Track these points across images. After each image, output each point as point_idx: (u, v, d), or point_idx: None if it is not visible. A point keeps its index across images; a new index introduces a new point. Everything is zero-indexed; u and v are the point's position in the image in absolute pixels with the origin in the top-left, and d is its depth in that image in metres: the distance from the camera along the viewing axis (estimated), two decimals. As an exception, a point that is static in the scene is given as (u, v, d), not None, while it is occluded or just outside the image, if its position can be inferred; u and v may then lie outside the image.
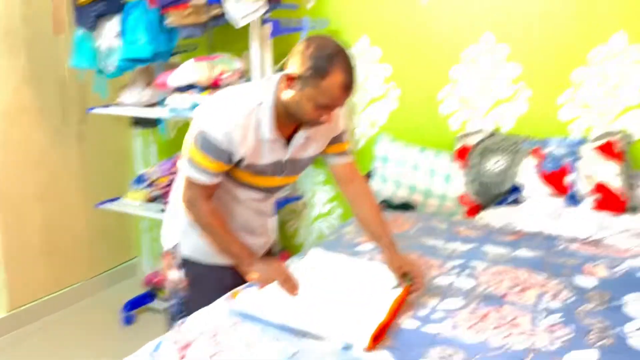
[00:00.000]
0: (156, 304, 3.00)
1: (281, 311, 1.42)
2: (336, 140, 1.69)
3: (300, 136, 1.57)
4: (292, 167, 1.64)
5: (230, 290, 1.68)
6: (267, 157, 1.55)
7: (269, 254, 1.85)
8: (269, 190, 1.69)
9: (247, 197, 1.65)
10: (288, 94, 1.46)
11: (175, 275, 1.74)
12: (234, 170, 1.56)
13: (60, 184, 3.03)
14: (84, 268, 3.22)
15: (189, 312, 1.66)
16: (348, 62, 1.41)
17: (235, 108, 1.48)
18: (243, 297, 1.50)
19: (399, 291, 1.52)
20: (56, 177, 3.01)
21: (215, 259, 1.68)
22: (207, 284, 1.70)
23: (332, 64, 1.38)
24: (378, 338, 1.33)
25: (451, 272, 1.75)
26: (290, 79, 1.44)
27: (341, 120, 1.70)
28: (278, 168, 1.60)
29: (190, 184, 1.54)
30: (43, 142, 2.92)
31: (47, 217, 2.98)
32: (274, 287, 1.52)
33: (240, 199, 1.65)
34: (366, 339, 1.29)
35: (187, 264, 1.71)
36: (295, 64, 1.42)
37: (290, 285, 1.51)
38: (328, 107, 1.44)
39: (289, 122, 1.53)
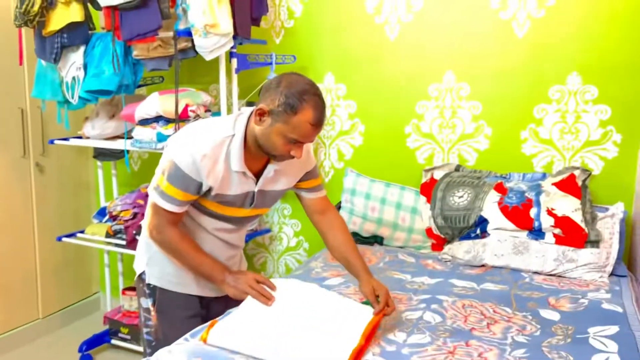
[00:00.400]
0: (117, 342, 2.88)
1: (254, 343, 1.40)
2: (309, 175, 1.74)
3: (269, 170, 1.60)
4: (262, 199, 1.65)
5: (197, 317, 1.71)
6: (236, 189, 1.57)
7: None
8: (238, 222, 1.70)
9: (215, 227, 1.67)
10: (259, 128, 1.49)
11: (143, 304, 1.75)
12: (202, 199, 1.58)
13: (19, 216, 2.93)
14: (41, 305, 3.09)
15: (158, 340, 1.70)
16: (318, 100, 1.45)
17: (205, 139, 1.50)
18: (215, 332, 1.46)
19: (371, 315, 1.52)
20: (14, 210, 2.90)
21: (181, 287, 1.70)
22: (174, 312, 1.71)
23: (302, 100, 1.42)
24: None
25: (418, 307, 1.75)
26: (261, 114, 1.47)
27: (312, 156, 1.75)
28: (247, 199, 1.62)
29: (157, 212, 1.56)
30: (2, 173, 2.82)
31: (3, 251, 2.86)
32: (244, 313, 1.50)
33: (207, 229, 1.67)
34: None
35: (154, 293, 1.72)
36: (267, 99, 1.45)
37: (263, 297, 1.53)
38: (297, 142, 1.47)
39: (259, 155, 1.56)
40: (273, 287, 1.56)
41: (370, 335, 1.47)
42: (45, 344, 3.03)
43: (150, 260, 1.71)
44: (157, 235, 1.59)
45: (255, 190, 1.61)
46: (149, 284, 1.72)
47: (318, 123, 1.45)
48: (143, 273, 1.73)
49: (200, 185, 1.51)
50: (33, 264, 3.04)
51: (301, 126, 1.43)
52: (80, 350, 2.81)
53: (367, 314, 1.53)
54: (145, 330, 1.76)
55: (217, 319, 1.56)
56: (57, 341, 3.06)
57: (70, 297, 3.29)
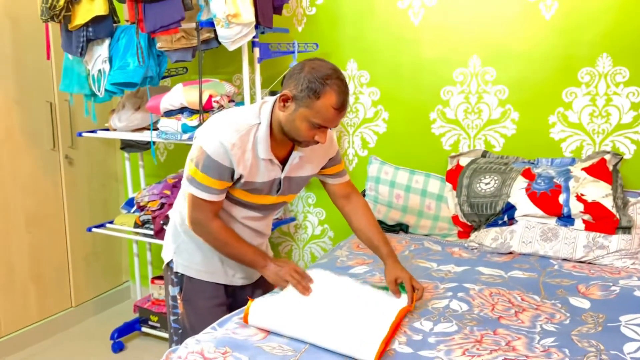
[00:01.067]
0: (147, 329, 2.95)
1: (291, 324, 1.44)
2: (332, 162, 1.76)
3: (294, 156, 1.62)
4: (288, 185, 1.68)
5: (223, 306, 1.75)
6: (264, 176, 1.59)
7: None
8: (266, 209, 1.72)
9: (243, 215, 1.69)
10: (283, 114, 1.50)
11: (171, 292, 1.78)
12: (231, 188, 1.60)
13: (49, 208, 3.00)
14: (73, 294, 3.17)
15: (184, 328, 1.74)
16: (341, 84, 1.46)
17: (233, 128, 1.51)
18: (255, 311, 1.49)
19: (402, 304, 1.54)
20: (45, 202, 2.97)
21: (208, 276, 1.73)
22: (201, 300, 1.74)
23: (325, 85, 1.43)
24: (382, 351, 1.35)
25: (445, 295, 1.73)
26: (285, 99, 1.49)
27: (335, 142, 1.76)
28: (274, 186, 1.64)
29: (196, 204, 1.57)
30: (32, 166, 2.89)
31: (36, 242, 2.94)
32: (284, 298, 1.54)
33: (236, 218, 1.69)
34: (372, 355, 1.31)
35: (181, 281, 1.75)
36: (291, 85, 1.47)
37: (302, 286, 1.56)
38: (321, 127, 1.48)
39: (284, 142, 1.58)
40: (311, 281, 1.60)
41: (397, 326, 1.48)
42: (77, 332, 3.11)
43: (178, 249, 1.75)
44: (199, 228, 1.61)
45: (282, 177, 1.63)
46: (176, 272, 1.75)
47: (341, 107, 1.46)
48: (171, 261, 1.77)
49: (233, 171, 1.53)
50: (65, 255, 3.11)
51: (324, 111, 1.44)
52: (111, 337, 2.88)
53: (397, 304, 1.55)
54: (172, 317, 1.79)
55: (255, 299, 1.57)
56: (89, 329, 3.14)
57: (101, 286, 3.37)
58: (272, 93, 2.58)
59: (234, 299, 1.80)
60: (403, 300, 1.59)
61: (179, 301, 1.76)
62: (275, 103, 1.54)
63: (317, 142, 1.52)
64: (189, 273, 1.74)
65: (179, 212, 1.74)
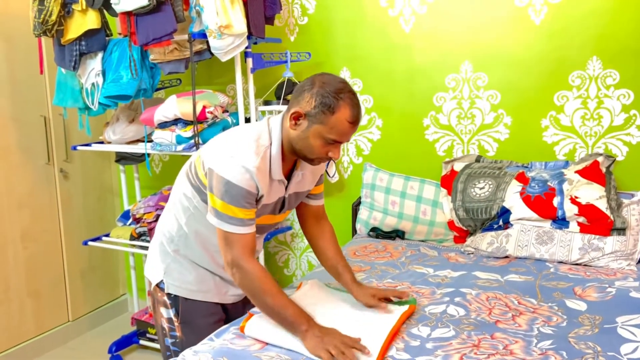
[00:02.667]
0: (145, 342, 2.93)
1: (288, 336, 1.42)
2: (320, 180, 1.73)
3: (297, 174, 1.59)
4: (290, 202, 1.65)
5: (221, 322, 1.69)
6: (273, 196, 1.55)
7: None
8: (265, 229, 1.68)
9: None
10: (295, 133, 1.46)
11: (165, 314, 1.69)
12: None
13: (45, 223, 2.99)
14: (70, 308, 3.15)
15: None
16: (354, 97, 1.44)
17: (252, 150, 1.44)
18: (253, 324, 1.48)
19: (403, 310, 1.55)
20: (41, 216, 2.97)
21: (202, 295, 1.66)
22: (199, 320, 1.66)
23: (339, 99, 1.41)
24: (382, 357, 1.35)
25: (442, 300, 1.74)
26: (296, 117, 1.45)
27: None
28: (278, 205, 1.60)
29: (230, 241, 1.45)
30: (27, 181, 2.89)
31: (32, 257, 2.93)
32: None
33: None
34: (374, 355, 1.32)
35: (176, 302, 1.67)
36: (302, 102, 1.44)
37: (343, 358, 1.34)
38: (336, 142, 1.45)
39: (289, 160, 1.55)
40: (364, 350, 1.37)
41: (397, 332, 1.48)
42: (75, 346, 3.09)
43: (168, 269, 1.66)
44: (235, 270, 1.46)
45: (286, 195, 1.60)
46: (169, 294, 1.67)
47: (356, 120, 1.44)
48: (161, 282, 1.67)
49: (257, 197, 1.46)
50: (61, 269, 3.10)
51: (339, 125, 1.41)
52: (109, 351, 2.86)
53: (396, 311, 1.56)
54: (170, 340, 1.70)
55: (252, 311, 1.56)
56: (87, 343, 3.12)
57: (98, 300, 3.35)
58: (266, 102, 2.59)
59: (227, 313, 1.74)
60: (401, 307, 1.59)
61: (175, 324, 1.68)
62: (284, 121, 1.49)
63: (330, 159, 1.49)
64: (182, 294, 1.65)
65: (168, 231, 1.66)
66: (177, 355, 1.67)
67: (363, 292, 1.62)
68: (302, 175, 1.61)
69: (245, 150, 1.44)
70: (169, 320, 1.68)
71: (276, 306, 1.43)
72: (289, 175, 1.59)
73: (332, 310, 1.58)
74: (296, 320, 1.42)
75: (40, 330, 2.99)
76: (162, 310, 1.69)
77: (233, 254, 1.45)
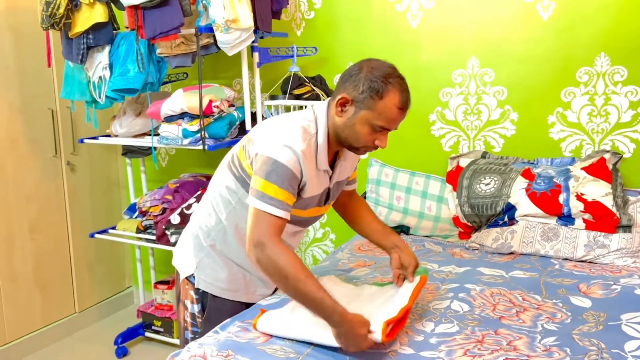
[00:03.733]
0: (151, 334, 2.96)
1: (303, 329, 1.41)
2: (354, 168, 1.72)
3: (341, 163, 1.56)
4: (334, 193, 1.61)
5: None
6: (319, 187, 1.50)
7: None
8: (306, 222, 1.62)
9: (287, 231, 1.55)
10: (341, 119, 1.42)
11: (189, 309, 1.68)
12: None
13: (52, 215, 3.01)
14: (77, 300, 3.18)
15: None
16: (403, 82, 1.40)
17: (299, 135, 1.40)
18: (265, 320, 1.47)
19: (412, 287, 1.53)
20: (48, 209, 2.99)
21: (231, 294, 1.64)
22: (224, 318, 1.61)
23: (388, 84, 1.37)
24: (393, 333, 1.33)
25: (446, 296, 1.74)
26: (343, 103, 1.40)
27: None
28: (323, 196, 1.56)
29: (261, 220, 1.36)
30: (35, 173, 2.91)
31: (39, 249, 2.95)
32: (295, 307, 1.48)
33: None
34: (379, 331, 1.30)
35: (203, 298, 1.65)
36: (349, 87, 1.39)
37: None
38: (383, 129, 1.41)
39: (334, 148, 1.51)
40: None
41: (408, 310, 1.46)
42: (81, 337, 3.12)
43: (202, 264, 1.63)
44: (262, 256, 1.34)
45: (331, 186, 1.56)
46: (197, 289, 1.64)
47: (405, 106, 1.40)
48: (192, 276, 1.64)
49: (299, 185, 1.42)
50: (68, 261, 3.13)
51: (388, 111, 1.37)
52: (115, 342, 2.89)
53: (406, 289, 1.54)
54: (189, 335, 1.69)
55: (263, 307, 1.56)
56: (93, 334, 3.15)
57: (105, 292, 3.38)
58: (272, 97, 2.59)
59: None
60: (410, 285, 1.57)
61: (198, 320, 1.66)
62: (329, 109, 1.45)
63: (376, 148, 1.44)
64: (212, 291, 1.62)
65: (205, 225, 1.62)
66: None
67: (403, 254, 1.60)
68: (344, 164, 1.58)
69: (293, 134, 1.40)
70: (192, 315, 1.67)
71: (311, 292, 1.31)
72: (332, 165, 1.54)
73: (352, 303, 1.59)
74: (328, 309, 1.31)
75: (47, 321, 3.02)
76: (187, 303, 1.68)
77: (261, 232, 1.34)
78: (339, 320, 1.30)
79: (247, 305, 1.69)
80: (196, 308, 1.66)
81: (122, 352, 2.89)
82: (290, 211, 1.40)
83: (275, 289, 1.77)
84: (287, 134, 1.40)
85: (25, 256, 2.88)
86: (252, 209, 1.38)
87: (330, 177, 1.54)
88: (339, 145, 1.49)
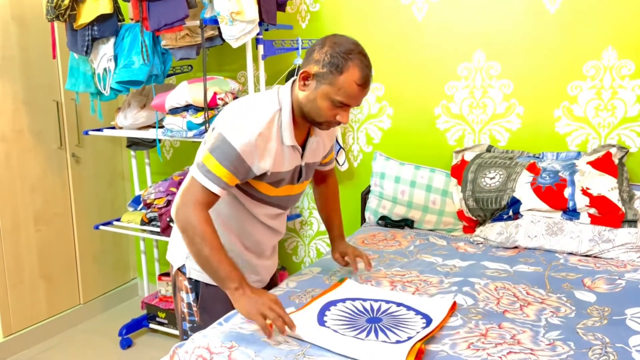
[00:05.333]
0: (155, 325, 2.97)
1: (319, 333, 1.40)
2: (331, 148, 1.76)
3: (312, 141, 1.58)
4: (307, 172, 1.64)
5: None
6: (288, 164, 1.53)
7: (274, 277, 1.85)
8: (286, 202, 1.66)
9: (265, 213, 1.62)
10: (303, 94, 1.44)
11: (185, 298, 1.69)
12: (257, 183, 1.52)
13: (57, 206, 3.02)
14: (82, 291, 3.20)
15: None
16: (364, 59, 1.41)
17: (258, 116, 1.43)
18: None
19: (444, 313, 1.52)
20: (53, 200, 3.00)
21: None
22: (218, 307, 1.62)
23: (348, 59, 1.38)
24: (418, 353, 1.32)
25: (450, 290, 1.74)
26: (305, 77, 1.42)
27: (336, 129, 1.79)
28: (296, 174, 1.59)
29: (195, 189, 1.42)
30: (40, 165, 2.92)
31: (44, 240, 2.97)
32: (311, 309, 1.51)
33: (258, 217, 1.62)
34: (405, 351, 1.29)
35: (196, 287, 1.66)
36: (311, 62, 1.41)
37: (281, 322, 1.35)
38: (344, 105, 1.42)
39: (303, 126, 1.53)
40: (292, 325, 1.37)
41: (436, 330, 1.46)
42: (86, 328, 3.14)
43: (189, 254, 1.60)
44: (181, 211, 1.42)
45: (303, 163, 1.58)
46: (190, 279, 1.65)
47: (365, 83, 1.40)
48: (183, 267, 1.67)
49: (247, 172, 1.44)
50: (73, 252, 3.14)
51: (347, 86, 1.38)
52: (120, 334, 2.90)
53: (440, 308, 1.55)
54: (188, 325, 1.70)
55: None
56: (98, 326, 3.17)
57: (109, 284, 3.39)
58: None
59: None
60: (444, 303, 1.58)
61: (194, 309, 1.67)
62: (294, 86, 1.48)
63: (339, 123, 1.46)
64: (203, 279, 1.63)
65: None
66: None
67: (337, 247, 1.84)
68: (316, 143, 1.60)
69: (251, 115, 1.43)
70: (188, 305, 1.68)
71: (212, 258, 1.39)
72: (304, 144, 1.57)
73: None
74: (229, 276, 1.39)
75: (52, 312, 3.04)
76: (182, 294, 1.69)
77: (190, 198, 1.41)
78: (234, 288, 1.40)
79: None
80: (191, 297, 1.67)
81: (126, 343, 2.90)
82: (224, 189, 1.43)
83: (270, 280, 1.81)
84: (245, 115, 1.44)
85: (30, 247, 2.90)
86: (189, 176, 1.45)
87: (302, 155, 1.57)
88: (305, 120, 1.50)
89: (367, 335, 1.41)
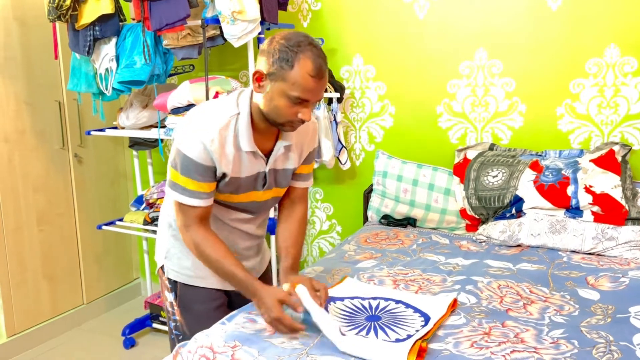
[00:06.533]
0: (158, 325, 2.97)
1: (330, 323, 1.39)
2: (309, 158, 1.66)
3: (279, 146, 1.52)
4: (273, 179, 1.57)
5: (222, 307, 1.65)
6: (247, 170, 1.49)
7: (266, 275, 1.83)
8: (254, 208, 1.60)
9: (232, 217, 1.59)
10: (260, 96, 1.40)
11: (168, 298, 1.70)
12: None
13: (59, 206, 3.03)
14: (85, 291, 3.20)
15: (185, 336, 1.64)
16: (315, 49, 1.35)
17: (210, 122, 1.41)
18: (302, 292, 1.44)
19: (443, 310, 1.52)
20: (56, 200, 3.00)
21: (200, 281, 1.63)
22: (198, 306, 1.63)
23: (298, 52, 1.32)
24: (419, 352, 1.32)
25: (453, 288, 1.74)
26: (259, 78, 1.38)
27: (316, 134, 1.65)
28: (259, 181, 1.53)
29: (183, 210, 1.46)
30: (42, 165, 2.92)
31: (47, 240, 2.97)
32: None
33: (224, 221, 1.59)
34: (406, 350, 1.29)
35: (175, 287, 1.65)
36: (262, 62, 1.37)
37: (287, 331, 1.39)
38: (301, 100, 1.36)
39: (268, 132, 1.49)
40: (296, 307, 1.41)
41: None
42: (89, 328, 3.14)
43: (168, 254, 1.64)
44: (186, 239, 1.49)
45: (267, 170, 1.52)
46: (169, 278, 1.65)
47: (318, 74, 1.33)
48: (163, 266, 1.67)
49: (215, 170, 1.43)
50: (76, 252, 3.14)
51: (301, 80, 1.32)
52: (123, 334, 2.91)
53: (440, 305, 1.54)
54: (172, 324, 1.70)
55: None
56: (101, 325, 3.17)
57: (112, 283, 3.39)
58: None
59: (231, 298, 1.69)
60: (444, 299, 1.58)
61: (175, 308, 1.66)
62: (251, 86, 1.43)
63: (302, 122, 1.39)
64: (180, 279, 1.63)
65: (168, 214, 1.63)
66: (178, 339, 1.69)
67: (287, 278, 1.53)
68: (284, 149, 1.54)
69: (203, 122, 1.41)
70: (171, 304, 1.68)
71: (225, 275, 1.49)
72: (271, 151, 1.52)
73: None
74: (241, 287, 1.48)
75: (55, 312, 3.04)
76: (166, 293, 1.69)
77: (184, 220, 1.47)
78: (252, 291, 1.45)
79: (220, 290, 1.66)
80: (171, 296, 1.67)
81: (129, 343, 2.90)
82: (207, 199, 1.45)
83: (259, 277, 1.76)
84: (199, 122, 1.42)
85: (34, 247, 2.90)
86: (170, 198, 1.49)
87: (267, 161, 1.52)
88: (267, 124, 1.44)
89: (367, 333, 1.41)
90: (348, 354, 1.32)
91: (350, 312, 1.53)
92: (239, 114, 1.44)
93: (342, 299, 1.60)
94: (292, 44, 1.33)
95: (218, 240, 1.49)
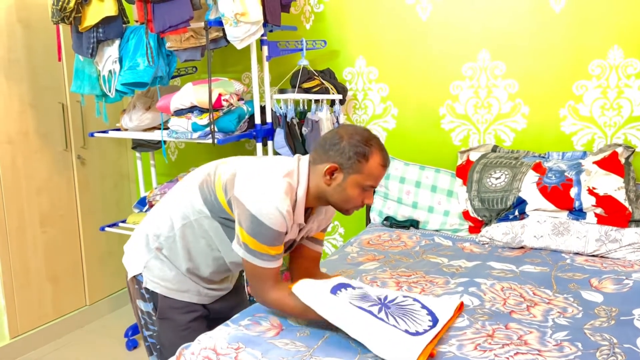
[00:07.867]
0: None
1: (338, 312, 1.39)
2: (325, 229, 1.73)
3: (314, 219, 1.61)
4: (294, 247, 1.66)
5: (201, 318, 1.67)
6: (288, 237, 1.54)
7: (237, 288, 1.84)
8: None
9: (231, 261, 1.61)
10: (331, 186, 1.48)
11: (143, 307, 1.68)
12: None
13: (63, 208, 3.03)
14: (88, 292, 3.20)
15: (163, 346, 1.65)
16: (380, 142, 1.51)
17: (283, 191, 1.44)
18: (301, 286, 1.46)
19: (450, 312, 1.51)
20: (59, 202, 3.01)
21: (180, 295, 1.64)
22: (177, 317, 1.64)
23: (370, 146, 1.46)
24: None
25: (456, 290, 1.74)
26: (331, 172, 1.47)
27: (334, 211, 1.68)
28: (287, 247, 1.62)
29: (257, 274, 1.48)
30: (46, 167, 2.92)
31: (51, 242, 2.97)
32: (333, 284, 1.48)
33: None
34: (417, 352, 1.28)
35: (154, 298, 1.65)
36: (334, 157, 1.47)
37: None
38: (372, 187, 1.50)
39: (309, 205, 1.55)
40: None
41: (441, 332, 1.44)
42: (92, 329, 3.14)
43: (149, 265, 1.63)
44: (268, 302, 1.53)
45: (298, 238, 1.60)
46: (147, 288, 1.64)
47: (386, 163, 1.50)
48: (139, 275, 1.65)
49: (286, 234, 1.49)
50: (79, 254, 3.15)
51: (374, 170, 1.47)
52: (126, 335, 2.91)
53: (446, 308, 1.53)
54: (147, 333, 1.70)
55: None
56: (104, 327, 3.17)
57: (115, 285, 3.40)
58: (281, 91, 2.58)
59: (210, 311, 1.71)
60: (451, 303, 1.56)
61: (154, 318, 1.66)
62: (310, 168, 1.51)
63: (364, 205, 1.53)
64: (160, 291, 1.63)
65: (157, 226, 1.62)
66: (154, 348, 1.69)
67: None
68: (313, 221, 1.62)
69: (277, 188, 1.44)
70: (148, 313, 1.67)
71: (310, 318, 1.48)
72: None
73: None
74: None
75: (58, 313, 3.05)
76: (140, 302, 1.68)
77: (263, 286, 1.49)
78: None
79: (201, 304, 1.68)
80: (149, 307, 1.66)
81: (132, 344, 2.91)
82: (280, 258, 1.50)
83: (233, 288, 1.79)
84: (271, 188, 1.44)
85: (37, 249, 2.91)
86: (244, 261, 1.48)
87: (300, 231, 1.59)
88: (315, 203, 1.54)
89: (379, 311, 1.41)
90: (354, 348, 1.31)
91: (361, 295, 1.51)
92: (298, 188, 1.50)
93: (352, 287, 1.55)
94: (363, 139, 1.47)
95: (293, 294, 1.47)
